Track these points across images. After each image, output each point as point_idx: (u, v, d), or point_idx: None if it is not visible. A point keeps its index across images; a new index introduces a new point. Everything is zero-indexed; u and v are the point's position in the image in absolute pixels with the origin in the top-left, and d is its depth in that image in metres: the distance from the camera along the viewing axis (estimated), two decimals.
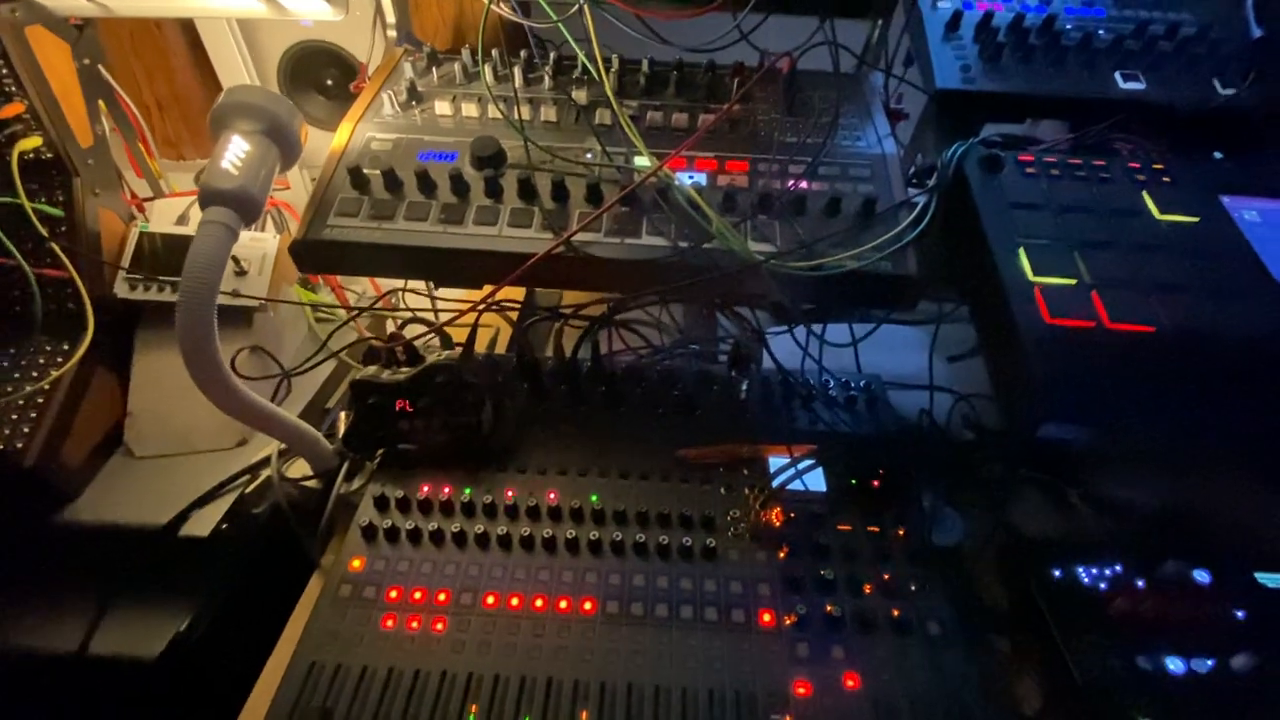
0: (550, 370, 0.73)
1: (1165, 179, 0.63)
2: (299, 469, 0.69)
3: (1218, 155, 0.69)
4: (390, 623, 0.53)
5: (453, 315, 0.66)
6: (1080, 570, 0.60)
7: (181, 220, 0.79)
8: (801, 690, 0.50)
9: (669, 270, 0.58)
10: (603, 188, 0.61)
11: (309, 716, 0.47)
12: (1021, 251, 0.56)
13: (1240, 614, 0.57)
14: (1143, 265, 0.56)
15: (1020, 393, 0.51)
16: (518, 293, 0.89)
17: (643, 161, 0.63)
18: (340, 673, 0.50)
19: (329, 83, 0.96)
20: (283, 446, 0.69)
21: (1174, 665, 0.53)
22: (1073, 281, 0.54)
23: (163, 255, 0.74)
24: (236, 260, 0.75)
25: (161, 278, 0.73)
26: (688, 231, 0.59)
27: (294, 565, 0.65)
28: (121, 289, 0.73)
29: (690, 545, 0.58)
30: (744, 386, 0.70)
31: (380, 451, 0.64)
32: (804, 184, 0.63)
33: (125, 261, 0.74)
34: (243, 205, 0.53)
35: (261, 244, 0.78)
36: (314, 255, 0.61)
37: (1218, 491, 0.68)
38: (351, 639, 0.52)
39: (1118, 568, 0.60)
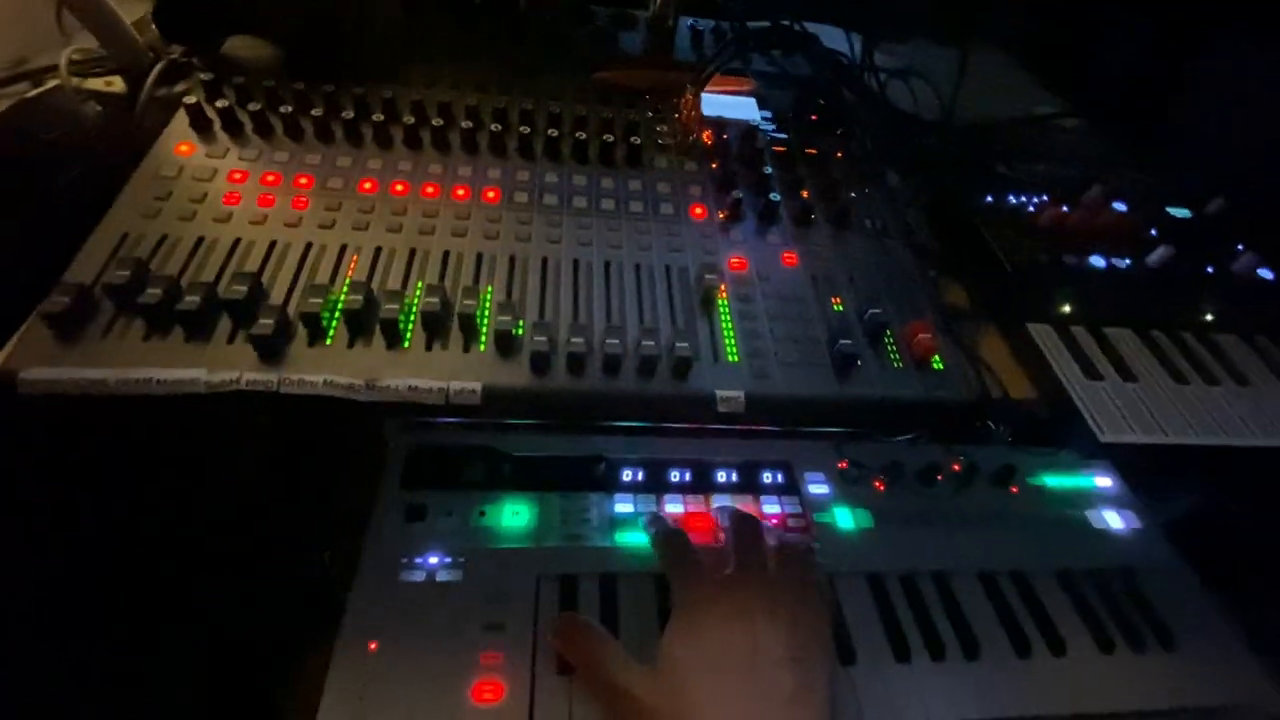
0: None
1: None
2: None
3: None
4: (234, 200, 0.42)
5: None
6: (1010, 196, 0.58)
7: None
8: (735, 263, 0.45)
9: None
10: None
11: (118, 272, 0.36)
12: None
13: (1153, 232, 0.58)
14: None
15: None
16: None
17: None
18: (166, 242, 0.39)
19: None
20: (74, 55, 0.52)
21: (1097, 261, 0.53)
22: None
23: None
24: None
25: None
26: None
27: (93, 194, 0.50)
28: None
29: (611, 146, 0.50)
30: (672, 12, 0.60)
31: (208, 43, 0.49)
32: None
33: None
34: None
35: None
36: None
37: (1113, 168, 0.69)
38: (179, 213, 0.41)
39: (1044, 196, 0.59)
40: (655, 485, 0.58)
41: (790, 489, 0.59)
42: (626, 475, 0.57)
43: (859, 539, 0.57)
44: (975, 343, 0.49)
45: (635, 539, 0.54)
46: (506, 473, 0.56)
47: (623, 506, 0.56)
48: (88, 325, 0.34)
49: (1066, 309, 0.50)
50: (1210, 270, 0.55)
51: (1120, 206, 0.60)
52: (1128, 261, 0.54)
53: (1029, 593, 0.57)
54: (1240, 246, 0.58)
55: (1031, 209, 0.57)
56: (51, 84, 0.51)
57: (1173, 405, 0.45)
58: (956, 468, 0.63)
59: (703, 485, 0.59)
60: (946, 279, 0.55)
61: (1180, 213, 0.61)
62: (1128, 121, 0.78)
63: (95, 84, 0.53)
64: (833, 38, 0.72)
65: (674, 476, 0.58)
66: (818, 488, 0.60)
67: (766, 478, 0.59)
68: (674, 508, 0.57)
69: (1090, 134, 0.79)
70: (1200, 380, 0.48)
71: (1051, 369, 0.46)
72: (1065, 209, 0.57)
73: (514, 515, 0.54)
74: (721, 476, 0.59)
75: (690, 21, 0.64)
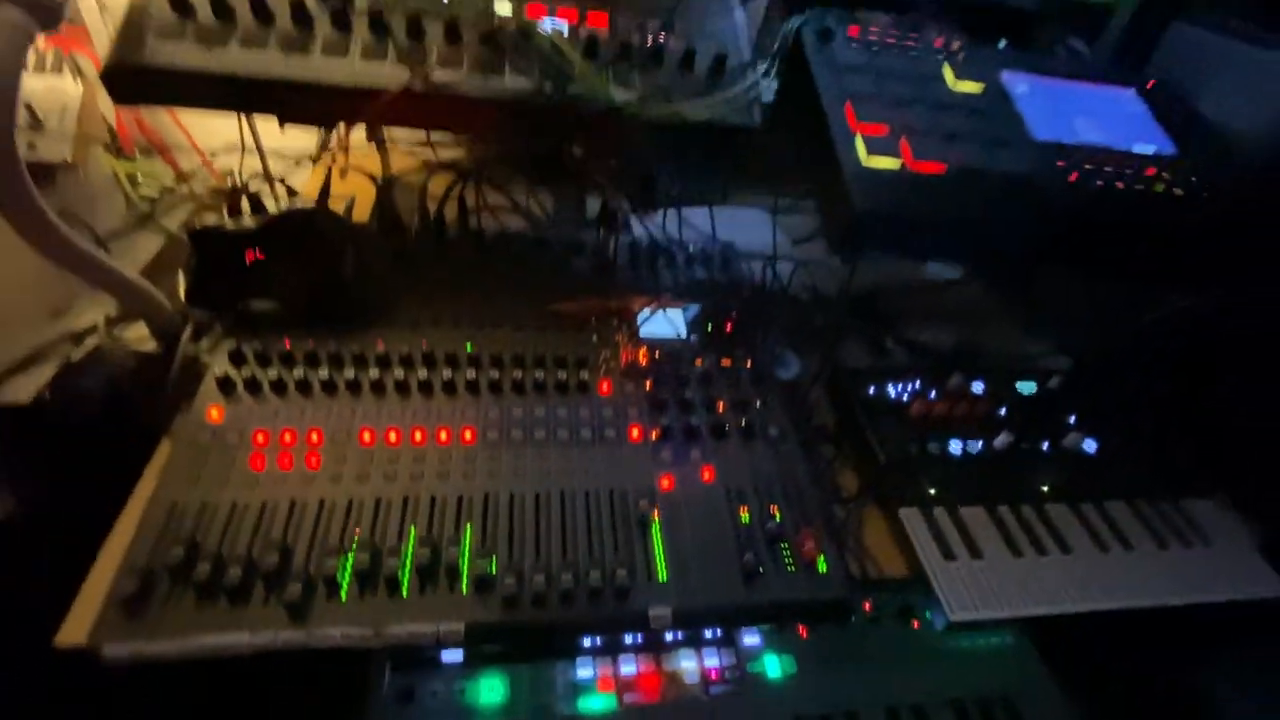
0: (416, 231, 0.72)
1: (961, 56, 0.73)
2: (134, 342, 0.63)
3: (1003, 43, 0.81)
4: (259, 464, 0.52)
5: (298, 159, 0.62)
6: (889, 386, 0.72)
7: None
8: (666, 483, 0.57)
9: (533, 113, 0.59)
10: (461, 28, 0.60)
11: (173, 550, 0.46)
12: (847, 104, 0.63)
13: (1002, 411, 0.72)
14: (939, 120, 0.65)
15: (843, 218, 0.59)
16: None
17: (505, 8, 0.62)
18: (207, 510, 0.49)
19: None
20: (111, 313, 0.63)
21: (954, 447, 0.67)
22: (886, 129, 0.63)
23: None
24: (32, 110, 0.65)
25: None
26: (551, 74, 0.60)
27: (132, 446, 0.59)
28: None
29: (565, 380, 0.62)
30: (613, 243, 0.74)
31: (230, 310, 0.61)
32: (663, 36, 0.65)
33: None
34: (36, 3, 0.46)
35: (60, 93, 0.67)
36: (132, 83, 0.54)
37: (988, 325, 0.84)
38: (216, 480, 0.51)
39: (916, 383, 0.73)
40: (610, 648, 0.68)
41: (727, 641, 0.70)
42: (585, 641, 0.67)
43: (784, 686, 0.67)
44: (860, 527, 0.62)
45: (595, 703, 0.63)
46: (482, 647, 0.66)
47: (583, 671, 0.66)
48: (150, 599, 0.44)
49: (931, 493, 0.63)
50: (1045, 446, 0.69)
51: (978, 387, 0.74)
52: (980, 444, 0.68)
53: None
54: (1072, 419, 0.72)
55: (905, 398, 0.71)
56: (91, 343, 0.62)
57: (1009, 580, 0.58)
58: (868, 607, 0.75)
59: (653, 644, 0.69)
60: (844, 458, 0.68)
61: (1028, 387, 0.76)
62: (1004, 287, 0.94)
63: (130, 338, 0.63)
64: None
65: (627, 638, 0.68)
66: (750, 637, 0.70)
67: (707, 632, 0.70)
68: (628, 668, 0.67)
69: (972, 293, 0.95)
70: (1033, 552, 0.61)
71: (915, 552, 0.58)
72: (933, 394, 0.71)
73: (490, 691, 0.63)
74: (669, 635, 0.69)
75: (630, 240, 0.78)
